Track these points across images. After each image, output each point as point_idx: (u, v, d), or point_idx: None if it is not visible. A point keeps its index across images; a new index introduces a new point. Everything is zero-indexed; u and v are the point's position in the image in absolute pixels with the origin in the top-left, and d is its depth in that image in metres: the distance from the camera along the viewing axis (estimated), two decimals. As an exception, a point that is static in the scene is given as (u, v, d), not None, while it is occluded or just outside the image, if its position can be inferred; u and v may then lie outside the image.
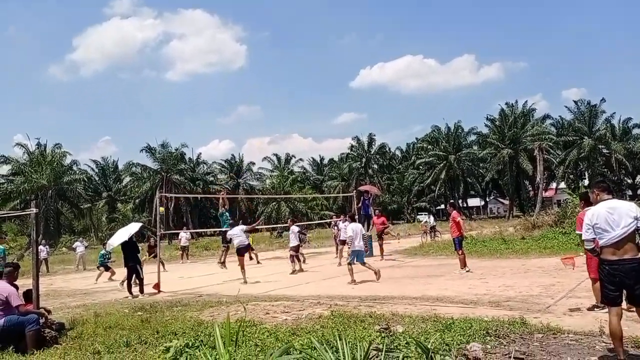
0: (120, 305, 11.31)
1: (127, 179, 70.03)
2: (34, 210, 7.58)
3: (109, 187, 71.18)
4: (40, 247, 21.44)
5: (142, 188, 61.89)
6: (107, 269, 19.07)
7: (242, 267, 14.47)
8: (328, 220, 21.42)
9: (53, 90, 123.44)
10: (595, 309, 7.57)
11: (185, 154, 67.86)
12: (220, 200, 17.69)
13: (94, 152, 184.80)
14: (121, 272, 16.37)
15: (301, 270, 16.56)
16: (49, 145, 55.49)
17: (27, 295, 7.97)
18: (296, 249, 16.75)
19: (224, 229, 16.61)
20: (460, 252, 13.72)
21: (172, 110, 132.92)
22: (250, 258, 21.32)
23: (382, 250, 19.35)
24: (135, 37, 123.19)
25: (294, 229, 17.14)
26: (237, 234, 14.73)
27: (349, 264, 13.00)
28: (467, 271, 13.23)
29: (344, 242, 16.74)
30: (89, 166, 70.54)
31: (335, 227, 21.44)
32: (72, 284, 18.71)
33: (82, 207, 60.20)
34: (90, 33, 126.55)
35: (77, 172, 60.67)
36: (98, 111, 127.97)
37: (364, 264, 13.05)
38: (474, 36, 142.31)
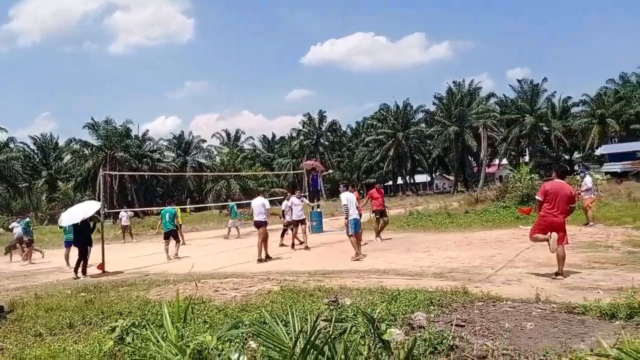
0: (63, 286, 10.97)
1: (68, 156, 67.24)
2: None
3: (49, 166, 68.32)
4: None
5: (85, 166, 59.58)
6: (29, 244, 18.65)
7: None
8: (278, 198, 21.08)
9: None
10: (557, 276, 7.94)
11: (130, 131, 65.77)
12: None
13: (33, 129, 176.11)
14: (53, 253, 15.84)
15: (284, 245, 16.40)
16: (-18, 121, 52.47)
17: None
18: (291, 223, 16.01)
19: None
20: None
21: (115, 85, 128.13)
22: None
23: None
24: (75, 7, 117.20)
25: (294, 200, 15.94)
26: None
27: (350, 235, 12.29)
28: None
29: (297, 223, 15.80)
30: (25, 144, 67.41)
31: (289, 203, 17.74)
32: (13, 266, 17.98)
33: (19, 186, 57.57)
34: (27, 2, 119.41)
35: (14, 149, 57.81)
36: (36, 85, 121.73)
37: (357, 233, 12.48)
38: (425, 14, 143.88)
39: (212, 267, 12.42)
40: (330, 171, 31.77)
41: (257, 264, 12.79)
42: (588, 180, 15.93)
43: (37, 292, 9.70)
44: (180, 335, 4.29)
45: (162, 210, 16.91)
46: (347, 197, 12.40)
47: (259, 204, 13.72)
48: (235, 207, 23.64)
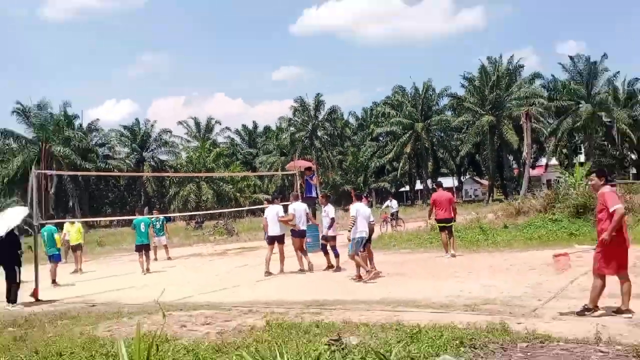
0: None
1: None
2: None
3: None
4: None
5: (12, 164, 58.43)
6: None
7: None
8: (262, 207, 20.03)
9: None
10: (586, 313, 7.73)
11: (74, 119, 65.19)
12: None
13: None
14: None
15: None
16: None
17: None
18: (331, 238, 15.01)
19: None
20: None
21: (51, 59, 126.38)
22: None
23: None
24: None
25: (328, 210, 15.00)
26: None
27: (356, 254, 12.90)
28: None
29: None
30: None
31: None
32: None
33: None
34: None
35: None
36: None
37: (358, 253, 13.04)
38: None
39: (176, 296, 12.23)
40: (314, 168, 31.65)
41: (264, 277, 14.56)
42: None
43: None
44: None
45: (135, 219, 19.06)
46: (358, 209, 13.08)
47: (273, 213, 15.42)
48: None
